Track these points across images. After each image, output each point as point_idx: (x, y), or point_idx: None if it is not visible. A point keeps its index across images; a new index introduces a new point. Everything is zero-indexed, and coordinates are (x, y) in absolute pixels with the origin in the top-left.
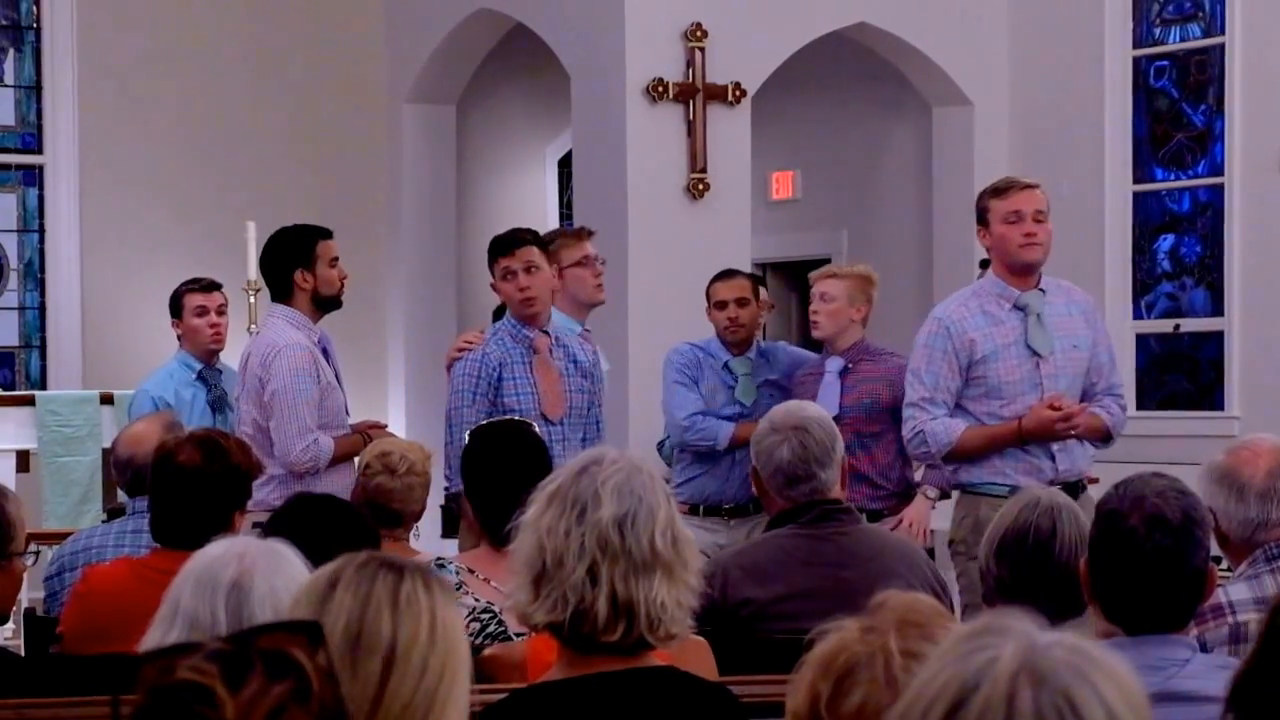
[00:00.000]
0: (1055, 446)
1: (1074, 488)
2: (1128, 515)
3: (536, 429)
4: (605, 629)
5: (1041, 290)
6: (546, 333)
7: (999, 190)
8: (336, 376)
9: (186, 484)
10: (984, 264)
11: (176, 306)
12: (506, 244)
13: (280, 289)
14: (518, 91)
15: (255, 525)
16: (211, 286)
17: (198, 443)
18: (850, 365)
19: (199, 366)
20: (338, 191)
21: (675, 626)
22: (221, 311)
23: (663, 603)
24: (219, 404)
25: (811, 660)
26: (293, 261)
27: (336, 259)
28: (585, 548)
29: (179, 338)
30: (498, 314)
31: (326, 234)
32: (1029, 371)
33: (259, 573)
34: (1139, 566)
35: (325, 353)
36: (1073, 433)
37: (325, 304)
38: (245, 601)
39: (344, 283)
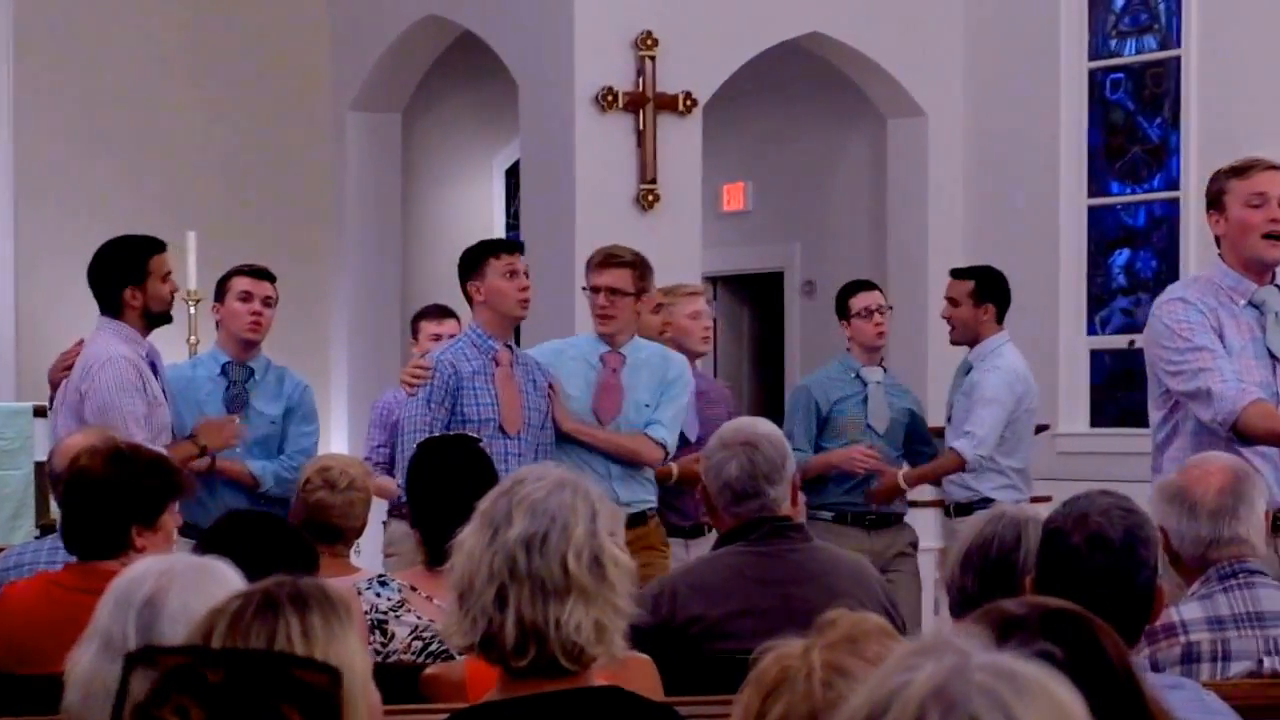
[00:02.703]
0: None
1: None
2: (1070, 534)
3: (485, 444)
4: (514, 653)
5: (1277, 286)
6: (510, 347)
7: (1239, 170)
8: (164, 393)
9: (84, 493)
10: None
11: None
12: (512, 244)
13: (109, 304)
14: (465, 100)
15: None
16: (263, 274)
17: (105, 452)
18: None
19: (226, 359)
20: (281, 200)
21: (596, 649)
22: (268, 303)
23: (578, 626)
24: (236, 402)
25: (750, 678)
26: (122, 278)
27: (169, 273)
28: (494, 569)
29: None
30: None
31: (159, 247)
32: (1266, 377)
33: (175, 590)
34: (1081, 585)
35: (153, 367)
36: None
37: (156, 319)
38: (156, 619)
39: (174, 296)
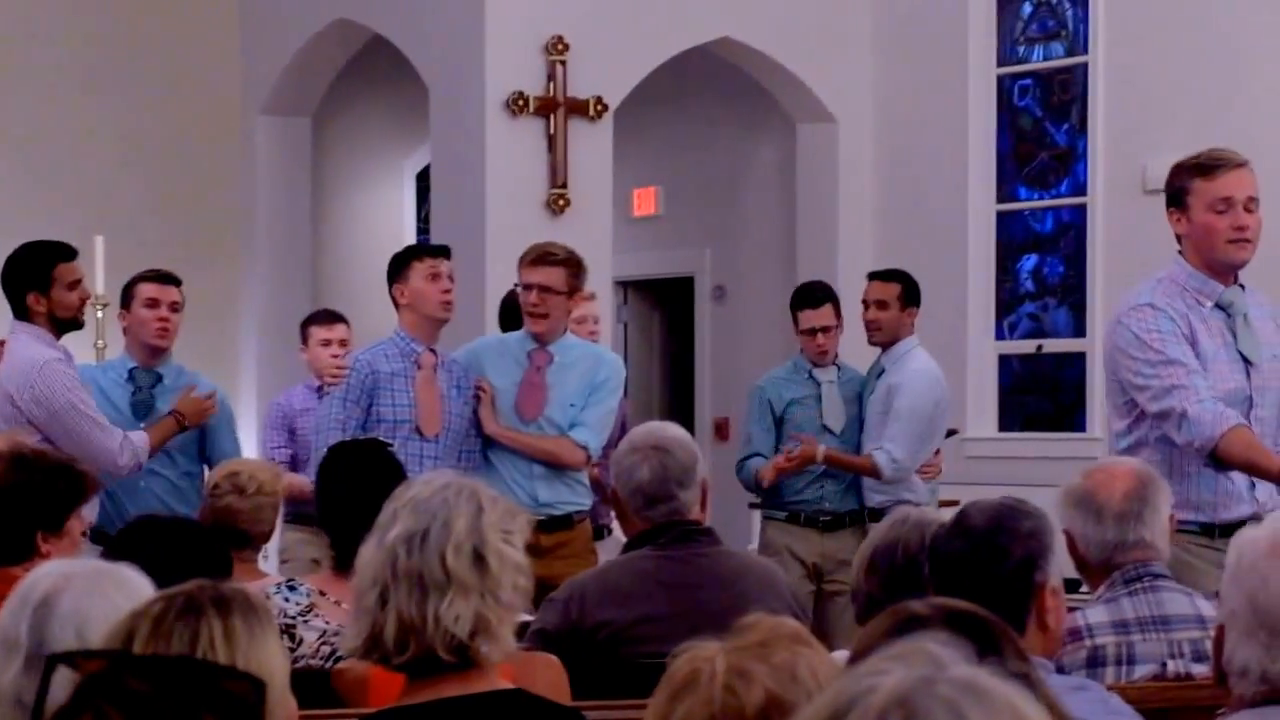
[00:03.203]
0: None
1: None
2: (947, 527)
3: (400, 445)
4: (395, 650)
5: (1241, 286)
6: (434, 351)
7: (1205, 169)
8: None
9: None
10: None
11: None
12: (439, 249)
13: (18, 309)
14: (376, 104)
15: None
16: (169, 279)
17: (9, 457)
18: None
19: (133, 365)
20: (190, 204)
21: (481, 644)
22: (175, 309)
23: (457, 618)
24: (142, 408)
25: (663, 678)
26: (26, 284)
27: (78, 281)
28: (377, 570)
29: (124, 331)
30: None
31: (68, 255)
32: (1241, 382)
33: (70, 592)
34: (944, 572)
35: None
36: None
37: (64, 326)
38: (47, 620)
39: (84, 304)
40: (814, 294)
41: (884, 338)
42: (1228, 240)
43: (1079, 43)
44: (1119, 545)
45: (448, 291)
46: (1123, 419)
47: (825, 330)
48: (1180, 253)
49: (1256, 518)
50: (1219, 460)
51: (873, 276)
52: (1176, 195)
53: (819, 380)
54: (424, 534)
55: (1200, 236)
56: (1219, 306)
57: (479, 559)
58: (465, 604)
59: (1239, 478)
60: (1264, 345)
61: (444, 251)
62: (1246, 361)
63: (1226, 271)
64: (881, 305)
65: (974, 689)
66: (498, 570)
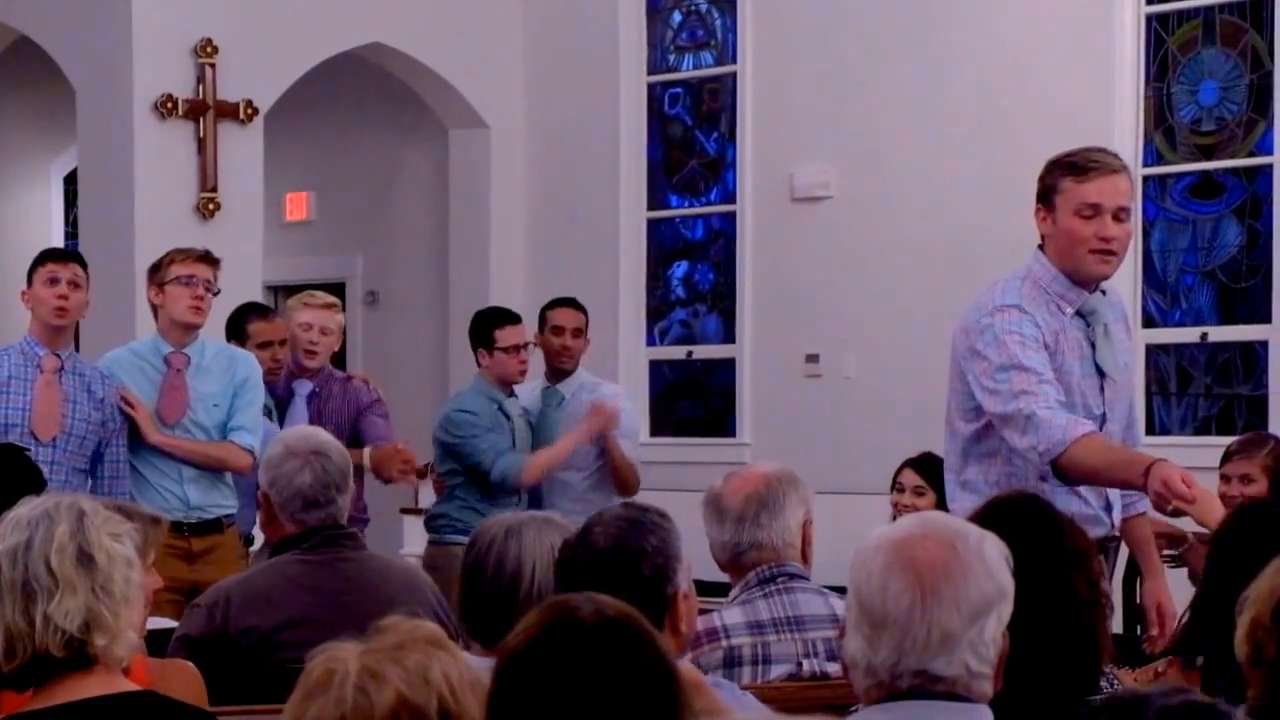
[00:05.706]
0: (1114, 495)
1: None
2: (572, 544)
3: (30, 452)
4: (4, 660)
5: (1103, 292)
6: (58, 355)
7: (1077, 169)
8: None
9: None
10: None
11: None
12: (62, 254)
13: None
14: (21, 105)
15: None
16: None
17: None
18: (319, 390)
19: None
20: None
21: (95, 637)
22: None
23: (67, 614)
24: None
25: (299, 679)
26: None
27: None
28: None
29: None
30: None
31: None
32: (1096, 399)
33: None
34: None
35: None
36: (1177, 507)
37: None
38: None
39: None
40: (505, 313)
41: (574, 365)
42: (1091, 250)
43: (728, 53)
44: (736, 547)
45: (63, 297)
46: (970, 423)
47: (526, 347)
48: (1041, 248)
49: (1112, 539)
50: (1064, 469)
51: (560, 304)
52: (1045, 193)
53: (509, 414)
54: (27, 544)
55: (1064, 241)
56: (1079, 314)
57: (85, 557)
58: (74, 600)
59: (1093, 499)
60: (1120, 353)
61: (64, 256)
62: (1101, 375)
63: (1088, 281)
64: (577, 333)
65: None
66: (106, 566)
